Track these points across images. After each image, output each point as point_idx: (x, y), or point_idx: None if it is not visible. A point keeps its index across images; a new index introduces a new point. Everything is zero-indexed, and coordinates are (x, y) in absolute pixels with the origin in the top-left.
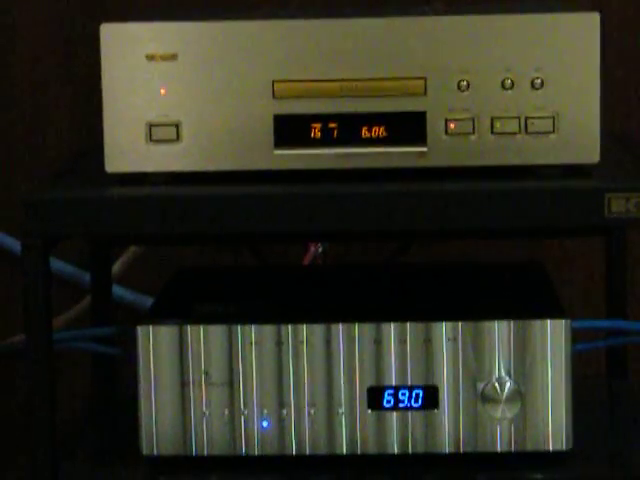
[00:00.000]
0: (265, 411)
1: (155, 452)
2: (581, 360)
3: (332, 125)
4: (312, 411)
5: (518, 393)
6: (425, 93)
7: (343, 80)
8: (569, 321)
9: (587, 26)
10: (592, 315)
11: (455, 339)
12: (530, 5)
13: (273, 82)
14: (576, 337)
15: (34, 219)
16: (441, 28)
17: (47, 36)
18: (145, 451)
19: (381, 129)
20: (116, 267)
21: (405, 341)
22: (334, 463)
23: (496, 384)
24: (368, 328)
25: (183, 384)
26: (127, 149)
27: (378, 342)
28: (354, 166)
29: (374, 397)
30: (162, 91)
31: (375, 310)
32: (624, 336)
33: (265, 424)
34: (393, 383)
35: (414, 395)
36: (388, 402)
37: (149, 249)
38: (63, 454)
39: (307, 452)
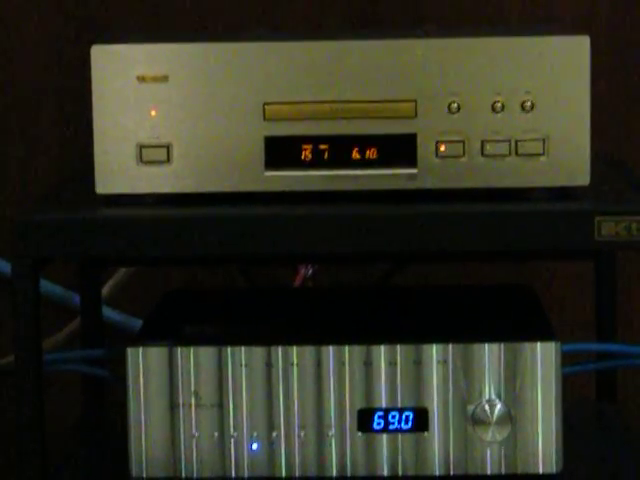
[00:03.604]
0: (255, 433)
1: (144, 474)
2: (571, 383)
3: (323, 147)
4: (302, 433)
5: (508, 416)
6: (415, 115)
7: (334, 102)
8: (559, 344)
9: (577, 49)
10: (582, 338)
11: (445, 361)
12: (520, 28)
13: (264, 104)
14: (566, 360)
15: (24, 240)
16: (432, 50)
17: (38, 57)
18: (134, 473)
19: (372, 151)
20: (106, 289)
21: (395, 363)
22: None
23: (486, 406)
24: (358, 350)
25: (173, 406)
26: (117, 170)
27: (368, 364)
28: (345, 188)
29: (364, 419)
30: (153, 112)
31: (365, 332)
32: (614, 359)
33: (255, 446)
34: (383, 405)
35: (404, 417)
36: (378, 424)
37: (139, 271)
38: (52, 476)
39: (297, 474)
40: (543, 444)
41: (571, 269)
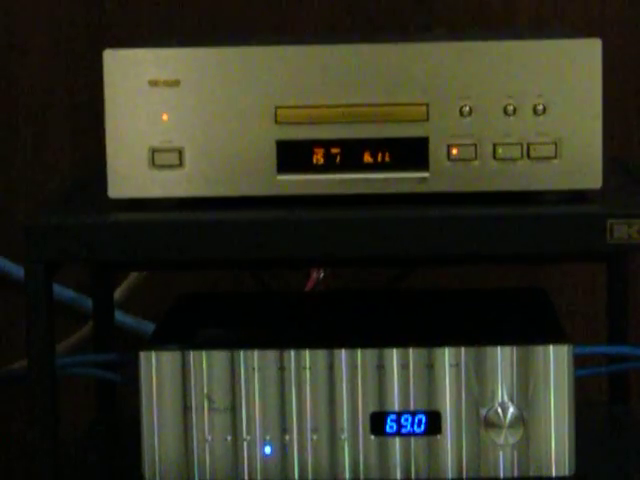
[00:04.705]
0: (268, 437)
1: (158, 478)
2: (583, 385)
3: (335, 151)
4: (315, 437)
5: (521, 419)
6: (427, 119)
7: (345, 106)
8: (571, 347)
9: (589, 52)
10: (594, 341)
11: (458, 364)
12: (532, 31)
13: (276, 108)
14: (578, 362)
15: (36, 244)
16: (443, 54)
17: (50, 61)
18: (148, 477)
19: (383, 155)
20: (118, 293)
21: (408, 366)
22: None
23: (499, 409)
24: (370, 353)
25: (185, 409)
26: (130, 174)
27: (381, 367)
28: (356, 192)
29: (377, 423)
30: (165, 117)
31: (377, 336)
32: (626, 362)
33: (268, 450)
34: (396, 409)
35: (417, 420)
36: (391, 428)
37: (151, 275)
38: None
39: (310, 478)
40: (556, 447)
41: (583, 271)
